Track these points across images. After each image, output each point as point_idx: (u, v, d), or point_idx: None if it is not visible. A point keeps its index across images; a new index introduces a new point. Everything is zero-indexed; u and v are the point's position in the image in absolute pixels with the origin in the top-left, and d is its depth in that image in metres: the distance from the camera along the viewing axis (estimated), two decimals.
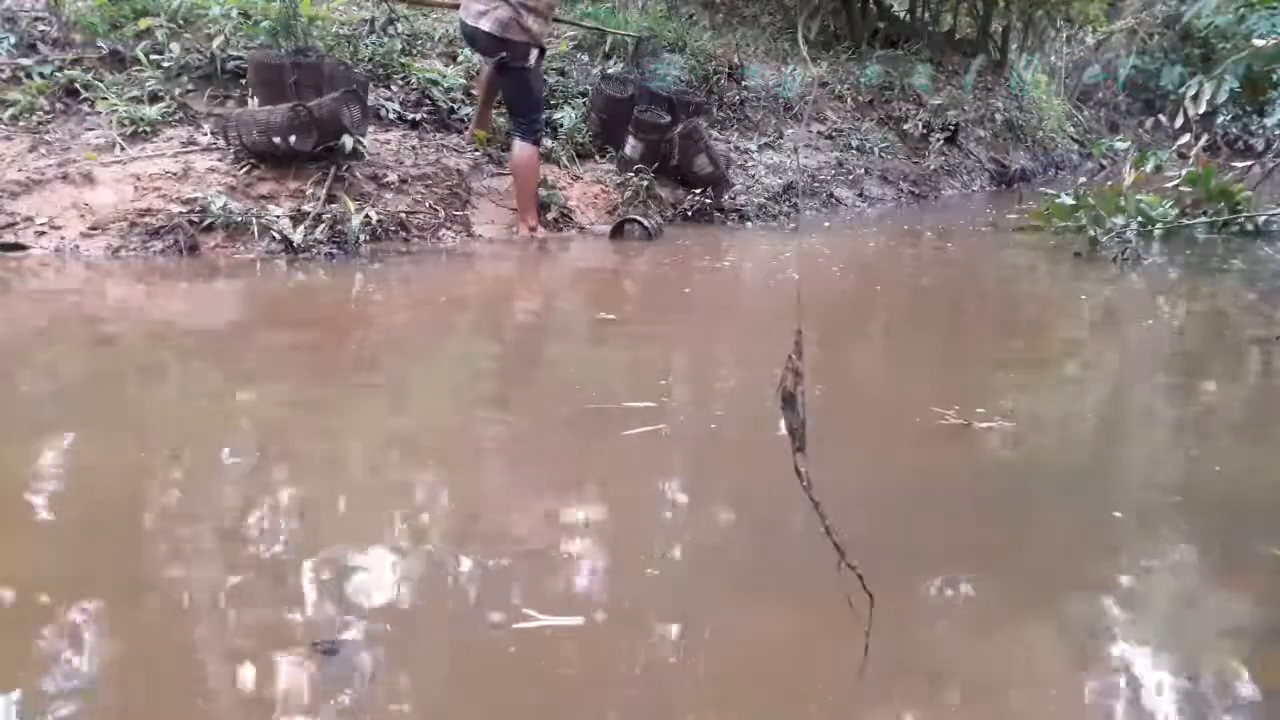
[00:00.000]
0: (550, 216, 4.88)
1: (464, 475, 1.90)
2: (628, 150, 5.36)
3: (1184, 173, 5.67)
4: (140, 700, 1.16)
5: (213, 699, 1.16)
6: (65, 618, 1.31)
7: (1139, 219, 5.11)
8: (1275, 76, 9.47)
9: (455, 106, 5.41)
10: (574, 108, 5.84)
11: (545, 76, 5.07)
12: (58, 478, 1.80)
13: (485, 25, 4.41)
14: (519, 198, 4.69)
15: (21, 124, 4.35)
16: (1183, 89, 5.71)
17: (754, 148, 6.77)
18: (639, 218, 4.85)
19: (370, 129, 4.68)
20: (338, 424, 2.18)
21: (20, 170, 4.06)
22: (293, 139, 4.13)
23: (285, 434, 2.11)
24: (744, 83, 7.21)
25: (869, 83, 8.27)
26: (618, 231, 4.86)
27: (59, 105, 4.54)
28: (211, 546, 1.53)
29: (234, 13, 5.04)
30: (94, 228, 3.90)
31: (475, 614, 1.37)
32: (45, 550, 1.52)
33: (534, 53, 4.54)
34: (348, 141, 4.24)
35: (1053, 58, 11.77)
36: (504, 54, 4.45)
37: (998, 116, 9.23)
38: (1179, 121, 6.33)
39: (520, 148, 4.58)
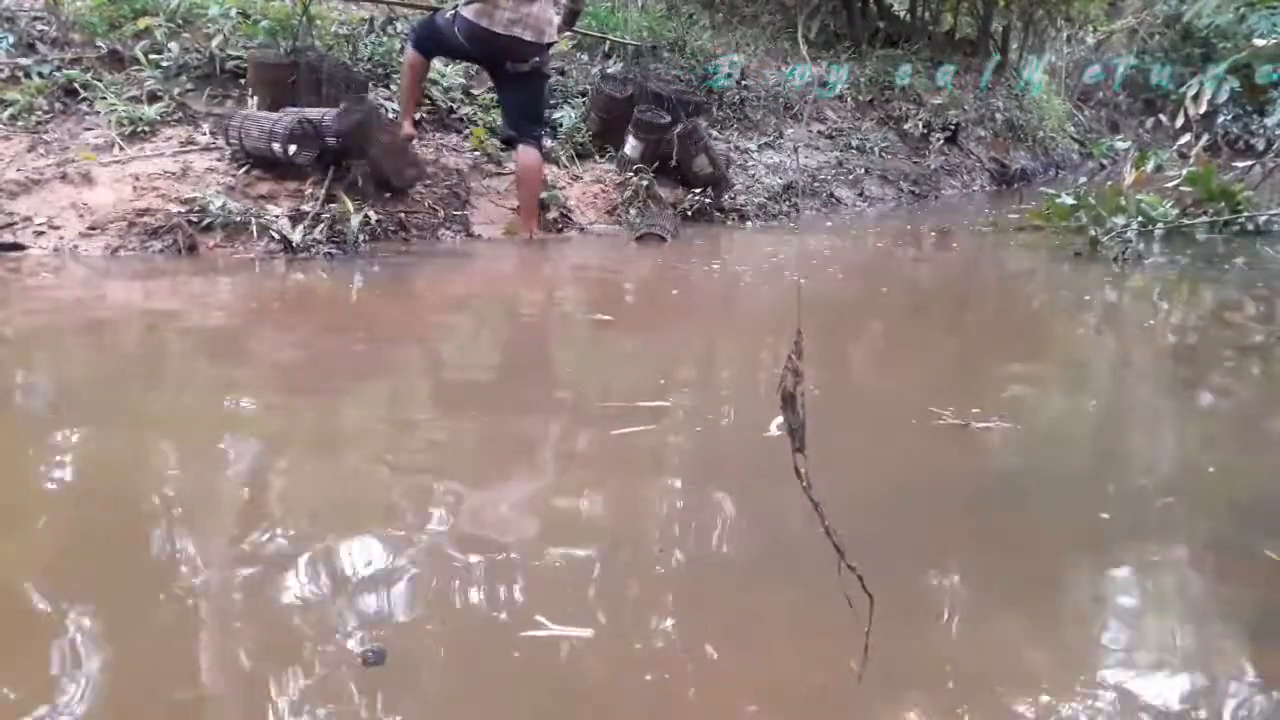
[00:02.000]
0: (550, 216, 4.88)
1: (465, 476, 1.89)
2: (628, 150, 5.35)
3: (1184, 173, 5.66)
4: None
5: (210, 701, 1.16)
6: (71, 624, 1.30)
7: (1139, 219, 5.10)
8: (1275, 76, 9.45)
9: (454, 106, 5.42)
10: (574, 108, 5.84)
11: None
12: (63, 477, 1.79)
13: (529, 35, 4.30)
14: (526, 203, 4.64)
15: (20, 124, 4.35)
16: (1183, 89, 5.70)
17: (754, 148, 6.77)
18: (662, 233, 4.77)
19: None
20: (335, 424, 2.18)
21: (19, 170, 4.06)
22: (292, 149, 4.10)
23: (282, 435, 2.10)
24: (789, 83, 7.22)
25: (901, 84, 8.29)
26: (642, 238, 4.79)
27: (58, 105, 4.54)
28: (206, 549, 1.52)
29: (233, 12, 5.04)
30: (93, 227, 3.89)
31: (478, 620, 1.36)
32: (48, 551, 1.52)
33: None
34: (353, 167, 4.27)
35: (1053, 58, 11.78)
36: (537, 59, 4.39)
37: (998, 116, 9.23)
38: (1179, 121, 6.33)
39: (530, 153, 4.52)
